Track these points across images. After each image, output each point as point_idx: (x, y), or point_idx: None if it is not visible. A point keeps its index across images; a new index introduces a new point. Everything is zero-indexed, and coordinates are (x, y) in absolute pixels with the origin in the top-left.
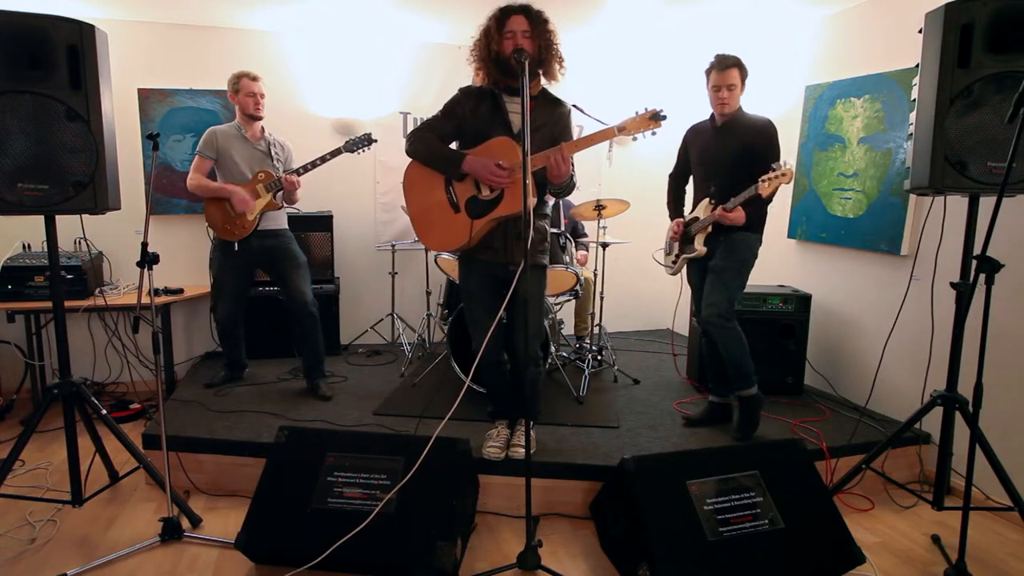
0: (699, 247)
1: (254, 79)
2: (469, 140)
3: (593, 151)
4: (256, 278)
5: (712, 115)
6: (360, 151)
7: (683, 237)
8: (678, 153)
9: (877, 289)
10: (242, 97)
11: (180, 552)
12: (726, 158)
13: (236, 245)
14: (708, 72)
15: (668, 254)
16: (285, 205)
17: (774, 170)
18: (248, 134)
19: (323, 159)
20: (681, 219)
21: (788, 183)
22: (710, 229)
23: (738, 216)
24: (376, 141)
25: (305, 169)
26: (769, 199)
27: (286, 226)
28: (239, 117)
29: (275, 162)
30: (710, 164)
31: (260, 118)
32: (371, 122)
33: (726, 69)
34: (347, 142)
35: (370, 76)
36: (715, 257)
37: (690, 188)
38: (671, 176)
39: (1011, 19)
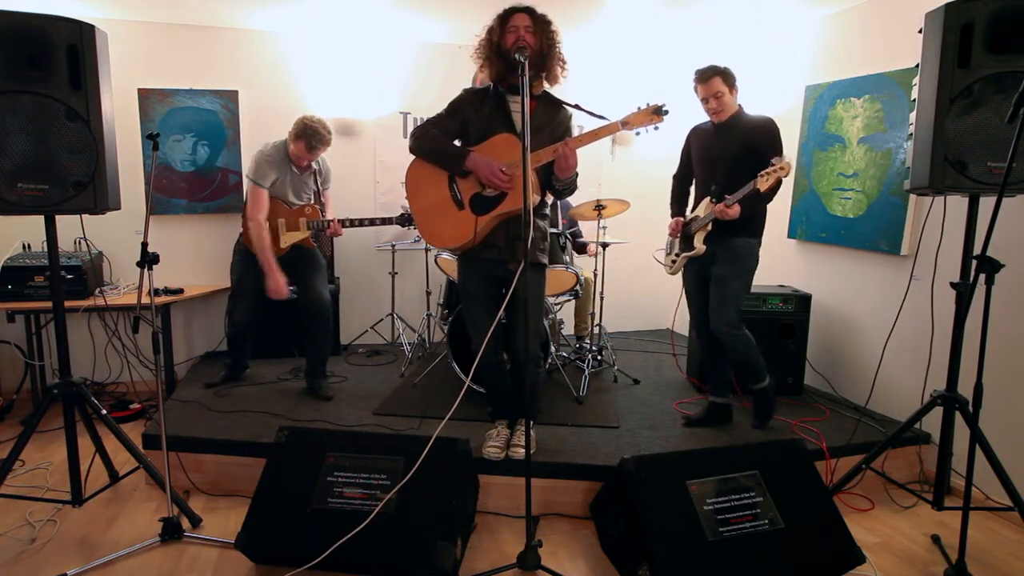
0: (698, 246)
1: (311, 149)
2: (473, 139)
3: (595, 150)
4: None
5: None
6: (410, 227)
7: (683, 236)
8: (681, 153)
9: (877, 289)
10: (295, 151)
11: (180, 552)
12: (726, 157)
13: None
14: (695, 88)
15: (668, 253)
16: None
17: (772, 164)
18: (295, 167)
19: (372, 222)
20: (681, 218)
21: (786, 176)
22: (710, 228)
23: (735, 211)
24: None
25: (352, 224)
26: (769, 196)
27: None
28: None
29: (320, 186)
30: (711, 163)
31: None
32: (371, 122)
33: (707, 80)
34: (401, 216)
35: (370, 76)
36: (717, 264)
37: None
38: (675, 177)
39: (1011, 19)
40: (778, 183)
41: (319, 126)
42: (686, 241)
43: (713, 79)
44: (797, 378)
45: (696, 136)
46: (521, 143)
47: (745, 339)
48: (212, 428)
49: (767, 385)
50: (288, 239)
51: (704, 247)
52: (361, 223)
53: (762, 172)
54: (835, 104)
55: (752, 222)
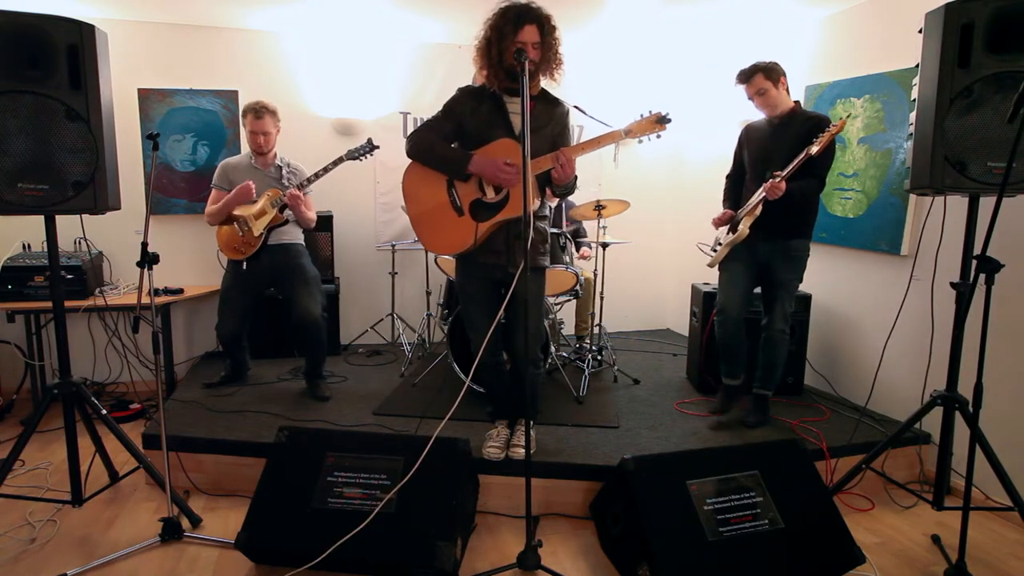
0: (743, 229)
1: (258, 117)
2: (470, 141)
3: (596, 152)
4: (264, 296)
5: None
6: (363, 158)
7: (731, 225)
8: (734, 154)
9: (877, 289)
10: (248, 133)
11: (180, 552)
12: (784, 153)
13: (245, 264)
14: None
15: (713, 245)
16: (291, 220)
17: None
18: (258, 163)
19: (325, 170)
20: (730, 211)
21: (839, 132)
22: (758, 212)
23: (782, 187)
24: (378, 147)
25: (309, 181)
26: (822, 164)
27: (299, 240)
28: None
29: (284, 181)
30: (766, 161)
31: (264, 154)
32: (371, 122)
33: (748, 80)
34: (349, 151)
35: (370, 76)
36: (777, 268)
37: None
38: (728, 177)
39: (1011, 19)
40: (832, 146)
41: (257, 100)
42: (733, 229)
43: (755, 77)
44: (797, 378)
45: (749, 135)
46: (522, 148)
47: (788, 341)
48: (212, 428)
49: (771, 392)
50: (259, 225)
51: (747, 231)
52: (317, 176)
53: (815, 139)
54: (835, 104)
55: (805, 221)
